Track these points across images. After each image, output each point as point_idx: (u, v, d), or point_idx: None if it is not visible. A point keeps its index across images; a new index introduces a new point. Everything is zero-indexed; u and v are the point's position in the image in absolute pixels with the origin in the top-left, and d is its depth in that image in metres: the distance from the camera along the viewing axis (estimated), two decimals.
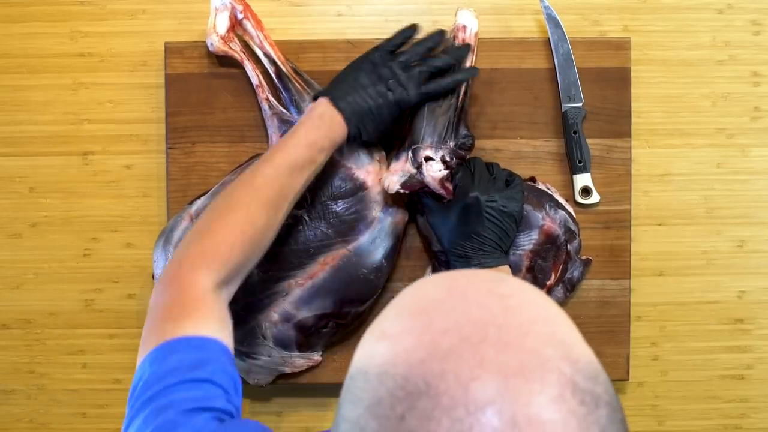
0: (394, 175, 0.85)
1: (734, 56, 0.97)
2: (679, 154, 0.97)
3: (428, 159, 0.83)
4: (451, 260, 0.87)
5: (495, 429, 0.33)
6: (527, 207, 0.89)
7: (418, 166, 0.83)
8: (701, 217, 0.98)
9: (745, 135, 0.97)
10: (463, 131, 0.86)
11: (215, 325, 0.68)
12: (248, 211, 0.75)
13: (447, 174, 0.83)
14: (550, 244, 0.90)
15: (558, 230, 0.90)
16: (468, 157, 0.87)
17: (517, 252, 0.89)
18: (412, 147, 0.85)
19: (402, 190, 0.84)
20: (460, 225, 0.84)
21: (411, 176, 0.84)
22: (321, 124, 0.79)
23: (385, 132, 0.84)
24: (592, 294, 0.95)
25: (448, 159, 0.84)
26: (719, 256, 0.98)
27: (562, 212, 0.90)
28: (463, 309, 0.38)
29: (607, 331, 0.95)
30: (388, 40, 0.84)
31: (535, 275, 0.90)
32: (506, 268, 0.85)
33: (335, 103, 0.80)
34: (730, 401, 0.99)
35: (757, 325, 0.99)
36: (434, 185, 0.83)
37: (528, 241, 0.89)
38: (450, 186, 0.84)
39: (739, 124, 0.97)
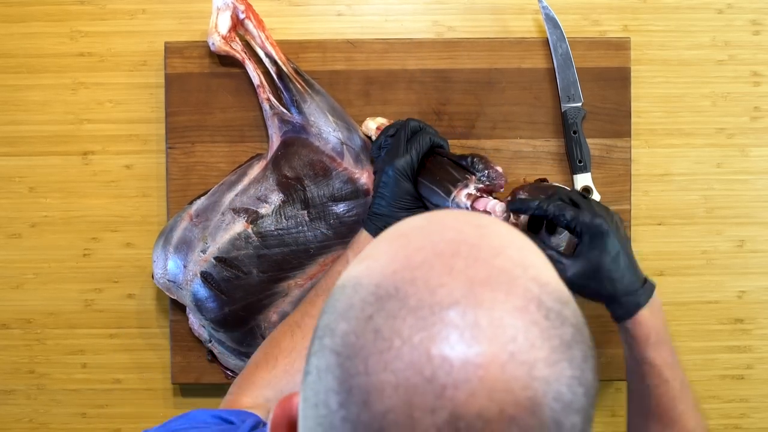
0: (495, 206, 0.79)
1: (734, 56, 0.97)
2: (679, 154, 0.97)
3: (471, 197, 0.80)
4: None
5: (457, 327, 0.35)
6: None
7: (473, 211, 0.80)
8: (701, 217, 0.98)
9: (745, 135, 0.97)
10: (464, 161, 0.83)
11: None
12: (274, 334, 0.82)
13: (504, 209, 0.79)
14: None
15: None
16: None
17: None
18: (448, 201, 0.81)
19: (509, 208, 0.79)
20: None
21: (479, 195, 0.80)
22: (354, 243, 0.84)
23: (403, 194, 0.83)
24: None
25: (483, 183, 0.81)
26: (719, 256, 0.98)
27: None
28: (439, 231, 0.40)
29: (607, 331, 0.95)
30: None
31: None
32: None
33: (364, 223, 0.85)
34: (730, 401, 0.99)
35: (757, 325, 0.99)
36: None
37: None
38: (516, 220, 0.80)
39: (739, 124, 0.97)
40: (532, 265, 0.38)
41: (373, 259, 0.39)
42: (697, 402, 0.74)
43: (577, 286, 0.73)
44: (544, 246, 0.81)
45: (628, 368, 0.76)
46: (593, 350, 0.38)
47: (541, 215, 0.75)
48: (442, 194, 0.81)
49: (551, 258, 0.71)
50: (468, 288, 0.36)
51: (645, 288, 0.74)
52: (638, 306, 0.73)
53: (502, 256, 0.38)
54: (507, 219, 0.79)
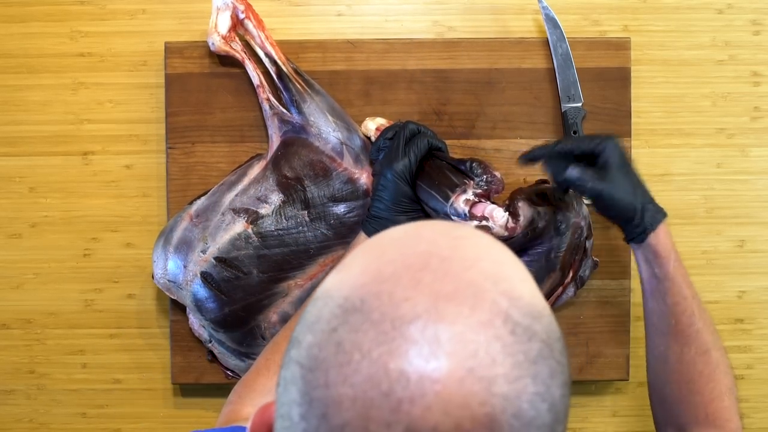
0: (495, 213, 0.80)
1: (734, 56, 0.97)
2: (679, 154, 0.97)
3: (468, 202, 0.81)
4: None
5: (416, 342, 0.34)
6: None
7: (471, 217, 0.81)
8: (701, 217, 0.98)
9: (745, 135, 0.97)
10: (462, 166, 0.84)
11: None
12: (276, 339, 0.82)
13: (507, 217, 0.80)
14: (577, 239, 0.89)
15: (582, 224, 0.89)
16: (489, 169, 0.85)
17: (558, 255, 0.88)
18: (446, 206, 0.81)
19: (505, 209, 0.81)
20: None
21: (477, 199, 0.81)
22: (353, 246, 0.86)
23: (401, 196, 0.84)
24: (592, 294, 0.95)
25: (481, 188, 0.81)
26: (719, 256, 0.98)
27: (584, 207, 0.90)
28: (413, 244, 0.39)
29: (607, 331, 0.95)
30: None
31: (564, 272, 0.90)
32: None
33: (362, 226, 0.87)
34: None
35: (757, 325, 0.99)
36: (503, 233, 0.80)
37: (564, 241, 0.89)
38: (514, 224, 0.81)
39: (739, 124, 0.97)
40: (505, 278, 0.38)
41: (346, 271, 0.39)
42: (713, 322, 0.76)
43: (613, 201, 0.75)
44: (577, 200, 0.86)
45: (647, 289, 0.77)
46: (565, 366, 0.37)
47: (563, 152, 0.77)
48: (441, 199, 0.81)
49: (588, 187, 0.75)
50: (432, 302, 0.35)
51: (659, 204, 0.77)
52: (662, 215, 0.76)
53: (473, 270, 0.37)
54: (506, 223, 0.79)
